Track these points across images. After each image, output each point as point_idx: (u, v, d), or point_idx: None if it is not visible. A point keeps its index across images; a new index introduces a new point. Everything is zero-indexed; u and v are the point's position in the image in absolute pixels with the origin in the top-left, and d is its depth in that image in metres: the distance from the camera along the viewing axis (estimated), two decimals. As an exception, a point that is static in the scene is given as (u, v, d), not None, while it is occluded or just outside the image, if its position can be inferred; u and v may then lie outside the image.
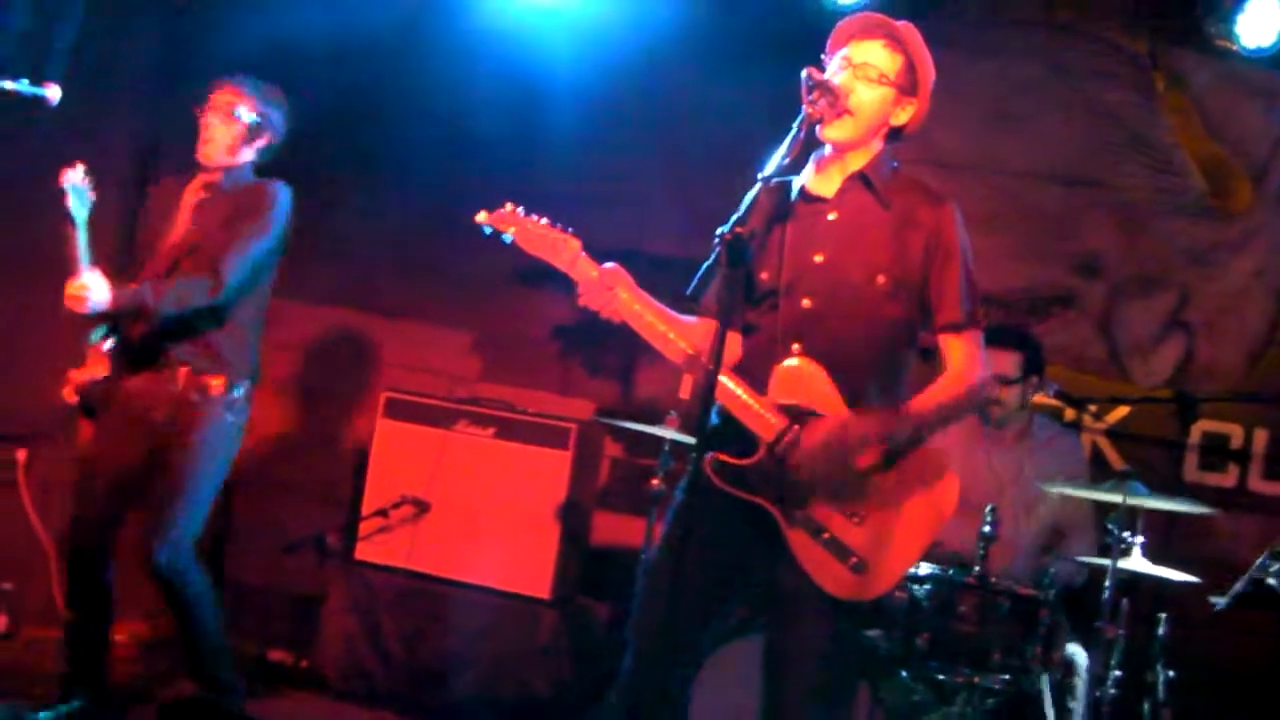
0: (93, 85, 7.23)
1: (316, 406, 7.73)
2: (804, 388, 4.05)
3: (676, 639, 4.08)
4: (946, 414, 4.17)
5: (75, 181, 5.60)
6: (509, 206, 4.31)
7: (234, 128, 5.76)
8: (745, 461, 4.05)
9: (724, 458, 4.04)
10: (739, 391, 4.06)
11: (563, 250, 4.20)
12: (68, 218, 5.58)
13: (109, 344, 5.73)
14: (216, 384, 5.68)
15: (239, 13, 7.61)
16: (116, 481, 5.70)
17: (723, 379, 3.98)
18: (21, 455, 7.35)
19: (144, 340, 5.66)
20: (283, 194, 5.83)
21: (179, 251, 5.71)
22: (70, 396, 5.74)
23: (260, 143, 5.85)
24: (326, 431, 7.79)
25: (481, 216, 4.32)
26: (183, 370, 5.65)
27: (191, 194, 5.84)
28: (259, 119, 5.80)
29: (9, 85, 4.84)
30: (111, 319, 5.68)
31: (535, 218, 4.26)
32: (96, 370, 5.72)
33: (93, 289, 5.41)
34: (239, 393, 5.75)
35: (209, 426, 5.67)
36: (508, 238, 4.27)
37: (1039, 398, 6.40)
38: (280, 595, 7.61)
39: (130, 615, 7.21)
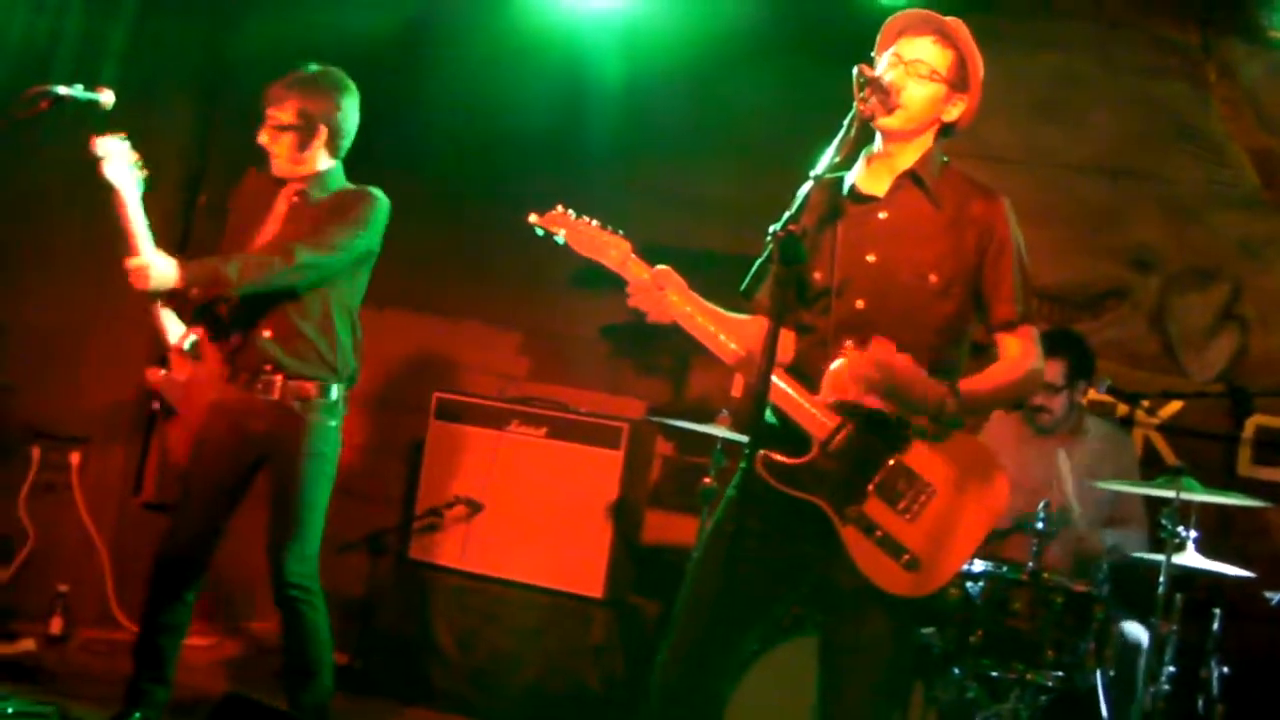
0: (144, 90, 7.29)
1: (368, 408, 7.76)
2: (865, 370, 4.05)
3: (722, 636, 4.09)
4: (999, 396, 4.23)
5: (112, 150, 5.41)
6: (559, 208, 4.32)
7: (283, 139, 5.62)
8: (798, 460, 4.05)
9: (777, 457, 4.04)
10: (791, 391, 4.06)
11: (613, 251, 4.21)
12: (110, 192, 5.44)
13: (189, 344, 5.58)
14: (313, 389, 5.56)
15: (285, 15, 7.65)
16: (216, 496, 5.59)
17: (775, 378, 3.98)
18: (75, 458, 7.42)
19: (238, 348, 5.56)
20: (377, 199, 5.69)
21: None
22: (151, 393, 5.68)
23: (320, 140, 5.65)
24: (379, 433, 7.82)
25: (533, 219, 4.34)
26: (278, 377, 5.52)
27: (284, 200, 5.70)
28: (302, 121, 5.60)
29: (64, 90, 4.88)
30: (183, 302, 5.53)
31: (586, 219, 4.27)
32: (178, 372, 5.59)
33: (156, 266, 5.32)
34: (335, 395, 5.62)
35: (312, 435, 5.55)
36: (559, 239, 4.29)
37: (1091, 394, 6.38)
38: (335, 597, 7.63)
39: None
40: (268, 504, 5.58)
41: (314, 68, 5.70)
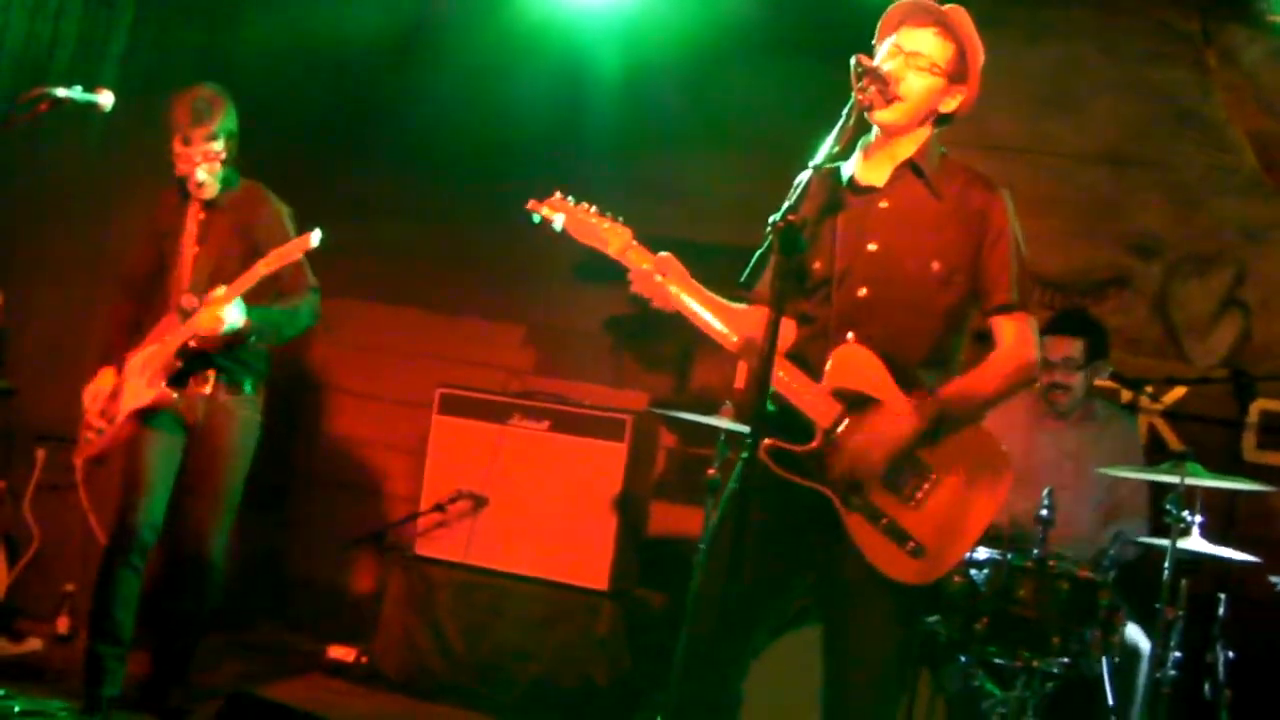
0: (143, 92, 7.29)
1: (372, 404, 7.76)
2: (859, 374, 4.05)
3: (733, 629, 4.09)
4: (997, 392, 4.16)
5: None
6: (558, 194, 4.32)
7: (216, 165, 5.80)
8: (802, 448, 4.05)
9: (781, 444, 4.04)
10: (794, 379, 4.06)
11: (613, 239, 4.21)
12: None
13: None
14: (247, 385, 5.86)
15: (283, 16, 7.65)
16: (160, 493, 5.83)
17: (777, 367, 3.98)
18: (80, 459, 7.42)
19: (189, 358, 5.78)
20: (276, 201, 5.96)
21: (202, 273, 5.80)
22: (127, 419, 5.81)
23: (233, 152, 5.87)
24: (383, 428, 7.82)
25: (531, 204, 4.33)
26: (211, 372, 5.77)
27: (192, 219, 5.88)
28: (230, 144, 5.81)
29: (64, 92, 4.88)
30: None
31: (585, 206, 4.26)
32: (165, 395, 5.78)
33: (234, 313, 5.52)
34: (259, 390, 5.94)
35: (240, 425, 5.87)
36: (558, 225, 4.27)
37: (1098, 381, 6.35)
38: (341, 592, 7.66)
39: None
40: (192, 490, 5.85)
41: (205, 89, 5.82)
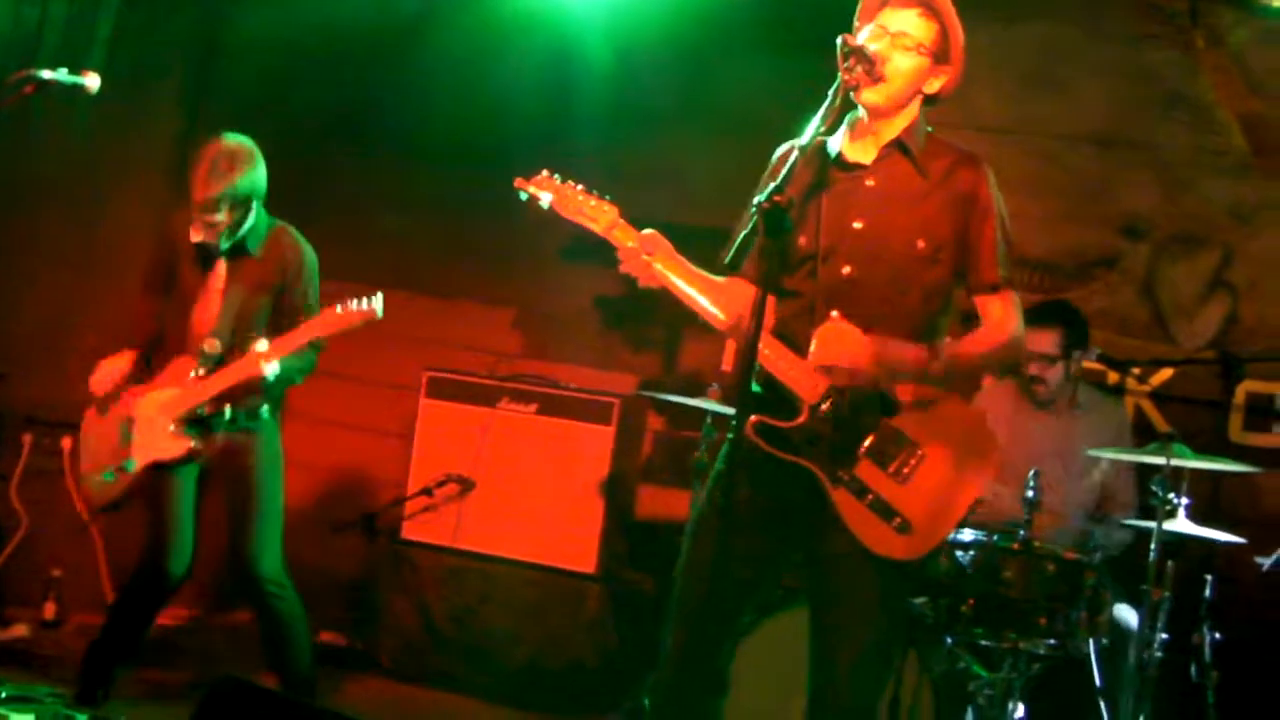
0: (131, 77, 7.28)
1: (359, 388, 7.75)
2: (845, 350, 4.05)
3: (721, 608, 4.08)
4: (983, 361, 4.26)
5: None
6: (545, 173, 4.32)
7: (221, 229, 5.66)
8: (789, 424, 4.05)
9: (768, 420, 4.04)
10: (780, 355, 4.07)
11: (600, 216, 4.22)
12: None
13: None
14: (265, 411, 5.78)
15: (270, 2, 7.64)
16: (188, 528, 5.80)
17: (763, 344, 3.99)
18: (67, 444, 7.41)
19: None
20: (306, 251, 5.88)
21: (227, 320, 5.73)
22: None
23: (255, 207, 5.74)
24: (370, 412, 7.81)
25: (519, 182, 4.33)
26: (227, 405, 5.69)
27: (219, 271, 5.78)
28: (241, 209, 5.65)
29: (49, 75, 4.87)
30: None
31: (572, 184, 4.27)
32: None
33: (274, 367, 5.52)
34: (276, 416, 5.86)
35: (265, 442, 5.79)
36: (545, 203, 4.28)
37: (1085, 363, 6.35)
38: (329, 577, 7.65)
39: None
40: (229, 520, 5.75)
41: (225, 144, 5.68)
